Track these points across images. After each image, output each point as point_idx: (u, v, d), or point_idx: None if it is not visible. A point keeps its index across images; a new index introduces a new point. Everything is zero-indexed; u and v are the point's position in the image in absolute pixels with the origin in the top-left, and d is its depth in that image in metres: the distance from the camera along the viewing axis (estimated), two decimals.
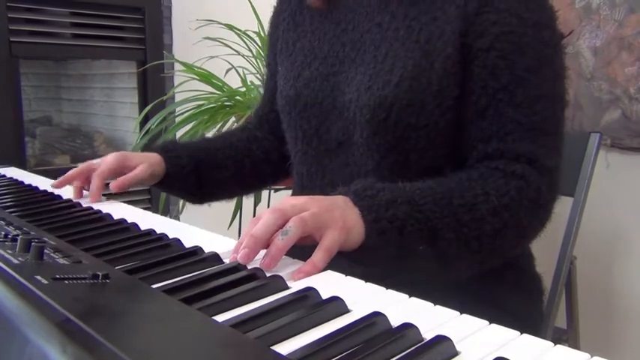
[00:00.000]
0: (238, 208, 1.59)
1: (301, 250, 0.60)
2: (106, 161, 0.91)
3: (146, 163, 0.91)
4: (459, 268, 0.71)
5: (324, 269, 0.57)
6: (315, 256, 0.57)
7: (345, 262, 0.64)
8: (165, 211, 2.31)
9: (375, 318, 0.44)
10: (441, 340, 0.40)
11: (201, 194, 1.01)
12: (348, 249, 0.61)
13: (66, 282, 0.46)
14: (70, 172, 0.91)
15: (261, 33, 1.63)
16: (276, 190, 1.53)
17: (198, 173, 0.97)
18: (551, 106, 0.74)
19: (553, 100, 0.74)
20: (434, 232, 0.65)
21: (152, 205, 2.53)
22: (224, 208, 1.66)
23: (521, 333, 0.43)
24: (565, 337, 1.09)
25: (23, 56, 2.34)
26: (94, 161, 0.93)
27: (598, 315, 1.35)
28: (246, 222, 1.61)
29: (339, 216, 0.60)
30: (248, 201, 1.60)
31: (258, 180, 1.08)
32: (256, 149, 1.03)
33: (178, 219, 1.97)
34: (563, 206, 1.06)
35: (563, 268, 0.99)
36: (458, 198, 0.67)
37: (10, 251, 0.54)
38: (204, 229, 0.70)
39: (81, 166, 0.92)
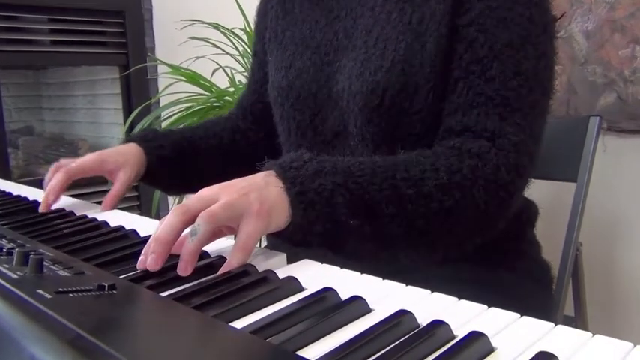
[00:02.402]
0: None
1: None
2: (82, 161, 0.84)
3: (127, 167, 0.85)
4: (406, 249, 0.67)
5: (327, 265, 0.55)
6: (232, 258, 0.54)
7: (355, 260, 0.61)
8: (156, 217, 2.27)
9: (401, 317, 0.42)
10: (475, 336, 0.38)
11: (182, 185, 0.97)
12: (273, 231, 0.57)
13: (71, 295, 0.43)
14: (50, 187, 0.83)
15: (248, 29, 1.60)
16: None
17: (180, 164, 0.92)
18: (529, 85, 0.69)
19: (532, 80, 0.69)
20: (371, 205, 0.60)
21: (142, 212, 2.48)
22: None
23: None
24: (572, 324, 1.08)
25: (3, 65, 2.29)
26: (64, 162, 0.86)
27: (603, 301, 1.34)
28: None
29: (255, 199, 0.55)
30: None
31: (242, 172, 1.05)
32: (240, 140, 0.99)
33: None
34: (565, 192, 1.05)
35: (569, 254, 0.98)
36: (402, 172, 0.63)
37: (6, 265, 0.51)
38: None
39: (51, 170, 0.85)
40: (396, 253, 0.67)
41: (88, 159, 0.85)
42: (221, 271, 0.53)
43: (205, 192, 0.57)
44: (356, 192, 0.60)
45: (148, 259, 0.52)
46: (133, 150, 0.88)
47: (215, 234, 0.57)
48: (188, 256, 0.52)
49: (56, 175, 0.82)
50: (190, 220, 0.54)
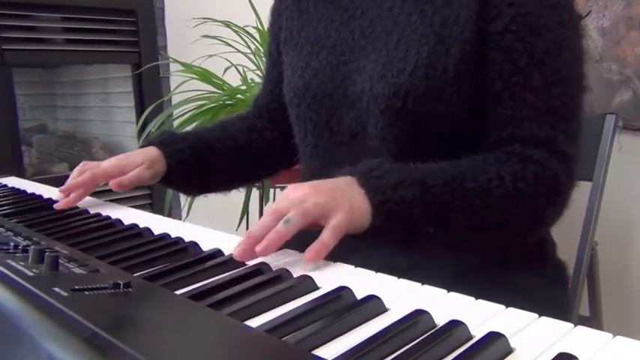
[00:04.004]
0: (245, 210, 1.57)
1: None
2: (104, 165, 0.87)
3: (146, 163, 0.87)
4: (467, 252, 0.70)
5: (351, 264, 0.55)
6: (324, 235, 0.56)
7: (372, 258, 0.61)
8: (168, 216, 2.27)
9: (418, 317, 0.41)
10: (494, 336, 0.37)
11: (201, 187, 0.98)
12: (354, 232, 0.60)
13: (86, 293, 0.43)
14: (75, 182, 0.86)
15: (260, 27, 1.60)
16: (282, 189, 1.51)
17: (199, 166, 0.93)
18: (570, 90, 0.71)
19: (571, 85, 0.72)
20: (443, 215, 0.64)
21: (154, 210, 2.49)
22: (229, 209, 1.64)
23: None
24: (587, 324, 1.07)
25: (16, 64, 2.30)
26: (95, 170, 0.88)
27: (618, 301, 1.32)
28: (253, 223, 1.59)
29: (344, 199, 0.59)
30: (254, 202, 1.57)
31: (259, 171, 1.06)
32: (257, 139, 1.00)
33: None
34: (581, 191, 1.04)
35: (585, 254, 0.96)
36: (470, 181, 0.65)
37: (22, 263, 0.51)
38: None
39: (84, 176, 0.86)
40: (458, 255, 0.71)
41: (111, 164, 0.87)
42: (314, 247, 0.55)
43: (295, 193, 0.59)
44: (431, 203, 0.63)
45: (236, 250, 0.56)
46: (153, 152, 0.89)
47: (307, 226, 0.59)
48: (275, 236, 0.55)
49: (83, 175, 0.84)
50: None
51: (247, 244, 0.56)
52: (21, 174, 2.13)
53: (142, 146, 0.92)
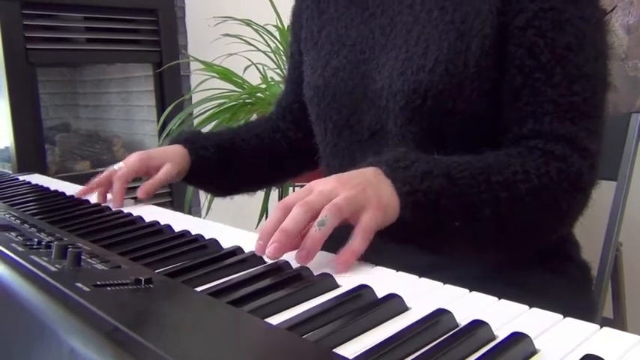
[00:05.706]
0: (265, 209, 1.57)
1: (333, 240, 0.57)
2: (129, 163, 0.88)
3: (171, 163, 0.88)
4: (493, 248, 0.68)
5: (369, 263, 0.55)
6: (353, 242, 0.54)
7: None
8: (188, 214, 2.29)
9: (440, 316, 0.41)
10: (517, 337, 0.37)
11: (226, 187, 0.99)
12: (384, 227, 0.58)
13: (108, 288, 0.43)
14: (93, 181, 0.89)
15: (280, 26, 1.60)
16: (301, 187, 1.51)
17: (223, 165, 0.94)
18: (592, 86, 0.70)
19: (594, 81, 0.70)
20: (470, 207, 0.62)
21: (174, 208, 2.51)
22: (249, 208, 1.64)
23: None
24: (611, 327, 1.05)
25: (40, 63, 2.33)
26: (116, 166, 0.89)
27: None
28: None
29: (373, 194, 0.57)
30: (274, 201, 1.57)
31: (283, 172, 1.06)
32: (280, 140, 1.00)
33: None
34: (605, 191, 1.02)
35: (609, 255, 0.95)
36: (496, 174, 0.64)
37: (45, 258, 0.51)
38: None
39: (103, 173, 0.89)
40: (482, 252, 0.69)
41: (135, 160, 0.88)
42: (342, 255, 0.53)
43: (322, 186, 0.57)
44: (457, 195, 0.61)
45: (270, 248, 0.53)
46: (178, 150, 0.90)
47: None
48: (312, 245, 0.53)
49: (114, 185, 0.85)
50: (315, 215, 0.55)
51: (283, 241, 0.53)
52: (44, 172, 2.16)
53: (167, 144, 0.93)
